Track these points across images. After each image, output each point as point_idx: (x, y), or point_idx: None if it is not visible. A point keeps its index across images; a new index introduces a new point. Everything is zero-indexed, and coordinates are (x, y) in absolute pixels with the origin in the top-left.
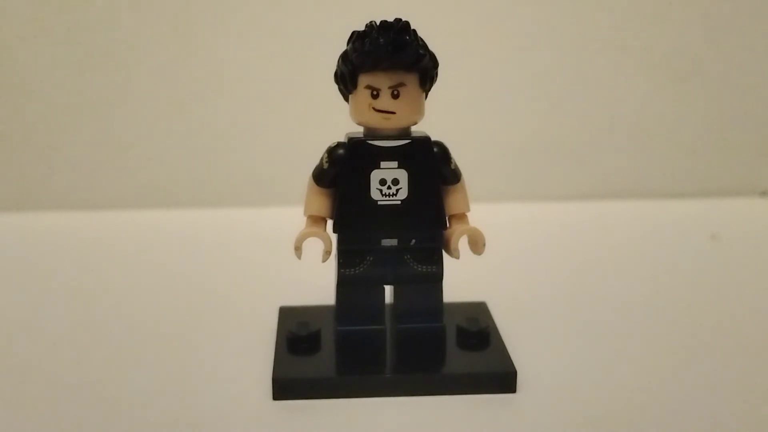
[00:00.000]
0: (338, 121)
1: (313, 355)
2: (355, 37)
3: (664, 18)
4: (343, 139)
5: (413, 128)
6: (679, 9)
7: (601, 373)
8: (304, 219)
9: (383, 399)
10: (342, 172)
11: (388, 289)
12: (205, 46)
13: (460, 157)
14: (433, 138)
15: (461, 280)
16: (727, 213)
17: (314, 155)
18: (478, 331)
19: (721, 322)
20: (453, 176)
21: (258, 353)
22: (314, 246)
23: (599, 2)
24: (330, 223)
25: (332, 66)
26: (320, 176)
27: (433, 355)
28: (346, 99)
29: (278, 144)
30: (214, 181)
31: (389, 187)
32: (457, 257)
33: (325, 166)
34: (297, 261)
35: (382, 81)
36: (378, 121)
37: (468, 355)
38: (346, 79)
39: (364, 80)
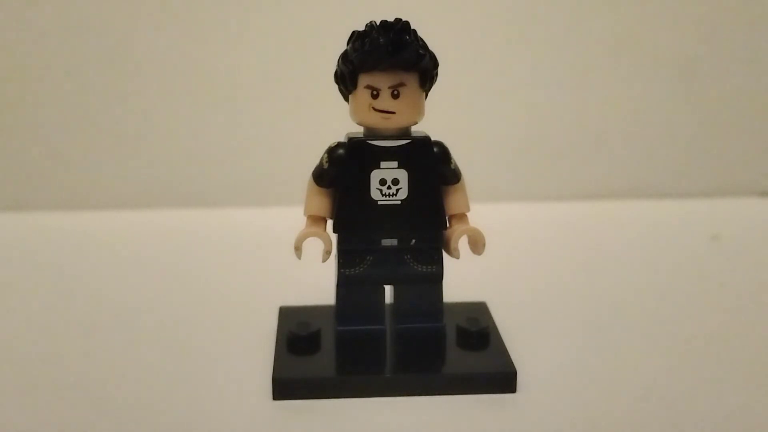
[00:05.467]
0: (338, 121)
1: (313, 355)
2: (355, 37)
3: (664, 18)
4: (343, 139)
5: (413, 128)
6: (680, 9)
7: (602, 373)
8: (304, 219)
9: (383, 399)
10: (342, 172)
11: (388, 289)
12: (205, 46)
13: (460, 157)
14: (433, 138)
15: (461, 280)
16: (727, 213)
17: (314, 155)
18: (478, 331)
19: (721, 322)
20: (453, 176)
21: (258, 353)
22: (314, 246)
23: (599, 3)
24: (330, 223)
25: (332, 66)
26: (320, 176)
27: (433, 355)
28: (346, 99)
29: (278, 144)
30: (214, 181)
31: (389, 187)
32: (457, 257)
33: (325, 166)
34: (297, 261)
35: (382, 81)
36: (378, 121)
37: (468, 355)
38: (346, 79)
39: (364, 80)
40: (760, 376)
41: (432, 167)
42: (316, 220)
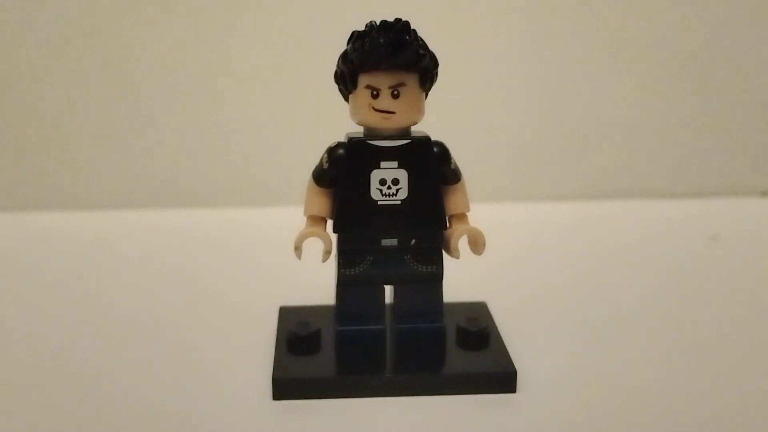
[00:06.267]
0: (338, 121)
1: (313, 355)
2: (355, 37)
3: (664, 18)
4: (343, 139)
5: (413, 128)
6: (680, 9)
7: (601, 373)
8: (304, 219)
9: (383, 399)
10: (342, 172)
11: (388, 289)
12: (205, 45)
13: (460, 157)
14: (433, 138)
15: (461, 280)
16: (727, 213)
17: (314, 155)
18: (478, 331)
19: (721, 322)
20: (453, 176)
21: (258, 353)
22: (314, 246)
23: (599, 3)
24: (330, 223)
25: (332, 66)
26: (320, 176)
27: (433, 355)
28: (346, 99)
29: (278, 144)
30: (214, 181)
31: (389, 187)
32: (457, 257)
33: (325, 166)
34: (297, 261)
35: (382, 81)
36: (378, 121)
37: (468, 355)
38: (346, 79)
39: (364, 80)
40: (760, 376)
41: (432, 167)
42: (316, 220)
